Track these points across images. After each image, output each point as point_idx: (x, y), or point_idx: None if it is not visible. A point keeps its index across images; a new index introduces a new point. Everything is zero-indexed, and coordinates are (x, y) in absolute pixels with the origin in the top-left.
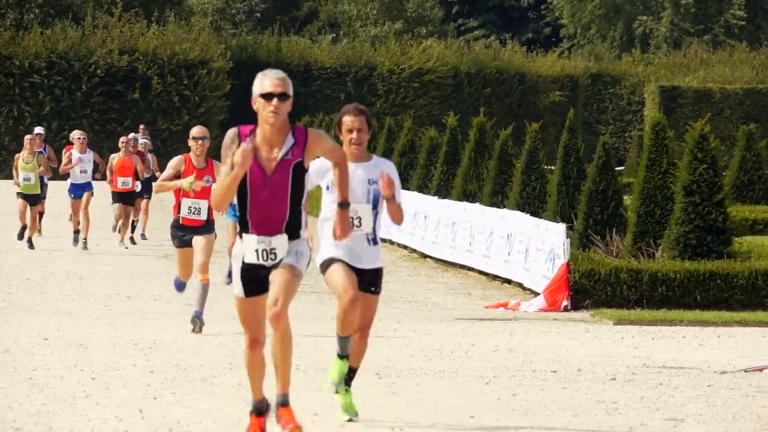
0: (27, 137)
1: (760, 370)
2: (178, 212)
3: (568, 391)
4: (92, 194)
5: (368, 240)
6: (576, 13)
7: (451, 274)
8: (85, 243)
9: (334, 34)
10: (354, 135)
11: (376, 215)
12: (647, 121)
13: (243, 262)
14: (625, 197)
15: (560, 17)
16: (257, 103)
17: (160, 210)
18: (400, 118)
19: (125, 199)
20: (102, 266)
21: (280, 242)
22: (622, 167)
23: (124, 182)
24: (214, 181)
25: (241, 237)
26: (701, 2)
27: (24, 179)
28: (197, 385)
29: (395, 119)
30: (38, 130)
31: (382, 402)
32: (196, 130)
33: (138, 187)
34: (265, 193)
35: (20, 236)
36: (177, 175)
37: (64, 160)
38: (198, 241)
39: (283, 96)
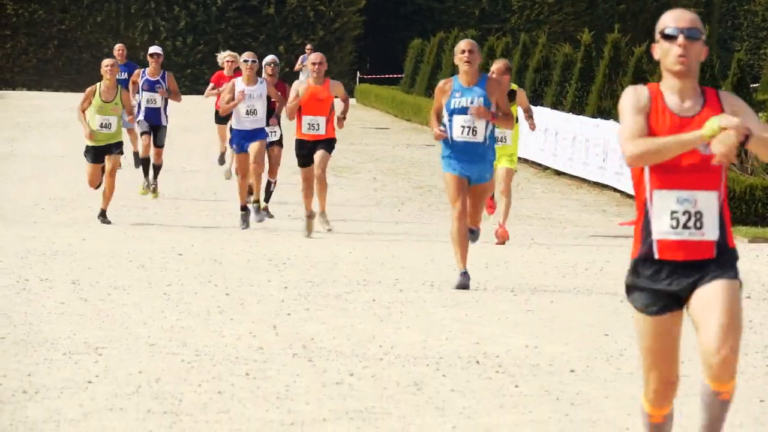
0: (105, 63)
1: None
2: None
3: None
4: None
5: None
6: None
7: (586, 191)
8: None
9: None
10: None
11: None
12: None
13: None
14: (760, 114)
15: None
16: None
17: None
18: (534, 34)
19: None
20: (236, 182)
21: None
22: (757, 84)
23: (313, 124)
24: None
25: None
26: None
27: (102, 125)
28: (331, 301)
29: (530, 35)
30: (155, 49)
31: (517, 319)
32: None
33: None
34: None
35: (102, 216)
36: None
37: (225, 95)
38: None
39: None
